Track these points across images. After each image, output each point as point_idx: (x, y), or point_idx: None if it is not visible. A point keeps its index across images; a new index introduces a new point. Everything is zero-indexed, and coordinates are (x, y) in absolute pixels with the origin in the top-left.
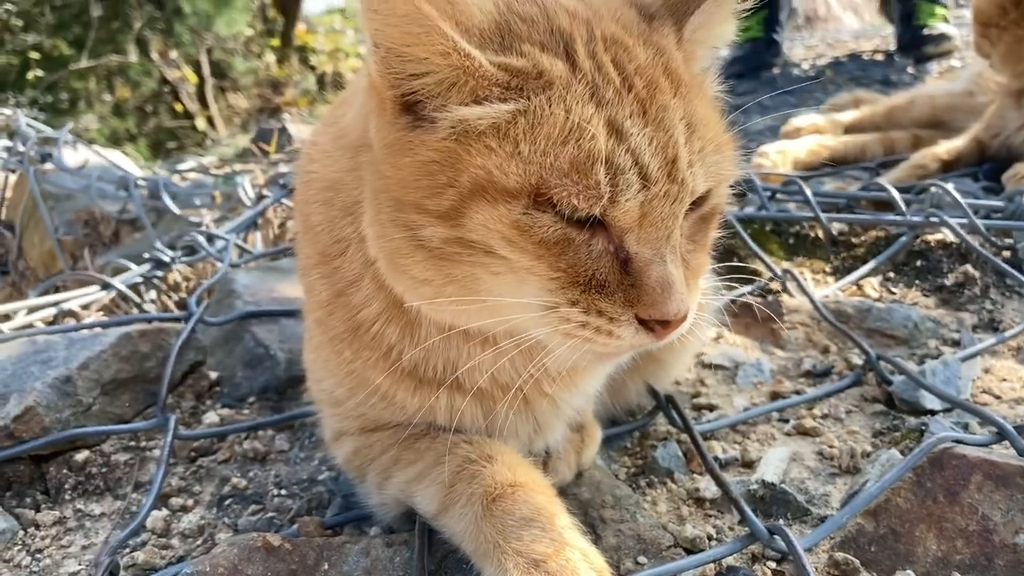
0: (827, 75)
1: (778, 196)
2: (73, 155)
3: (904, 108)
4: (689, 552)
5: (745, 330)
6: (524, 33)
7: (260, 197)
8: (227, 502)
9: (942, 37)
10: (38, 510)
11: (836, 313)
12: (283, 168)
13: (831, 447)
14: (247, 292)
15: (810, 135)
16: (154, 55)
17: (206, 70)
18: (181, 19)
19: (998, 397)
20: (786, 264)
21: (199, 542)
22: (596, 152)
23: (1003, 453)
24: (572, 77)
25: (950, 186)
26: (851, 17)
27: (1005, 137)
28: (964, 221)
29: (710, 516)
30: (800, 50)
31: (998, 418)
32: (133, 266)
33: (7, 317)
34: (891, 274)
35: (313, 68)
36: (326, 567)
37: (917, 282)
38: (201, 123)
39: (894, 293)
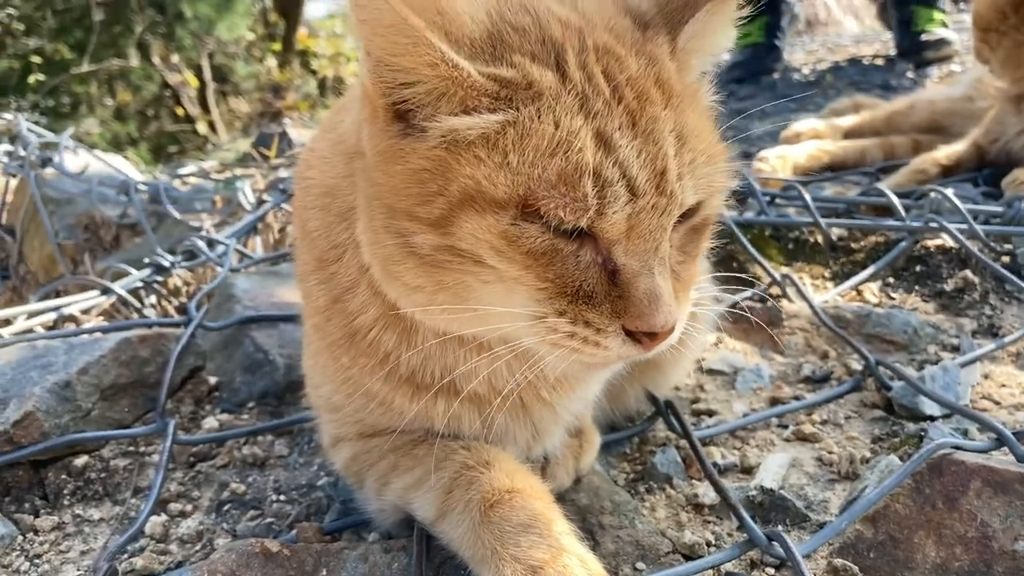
0: (827, 80)
1: (777, 201)
2: (74, 159)
3: (904, 113)
4: (688, 558)
5: (744, 336)
6: (516, 43)
7: (260, 202)
8: (226, 507)
9: (942, 42)
10: (37, 515)
11: (835, 318)
12: (283, 173)
13: (830, 453)
14: (247, 297)
15: (810, 140)
16: (156, 59)
17: (207, 74)
18: (183, 23)
19: (997, 403)
20: (785, 269)
21: (198, 547)
22: (583, 164)
23: (1002, 459)
24: (562, 88)
25: (950, 191)
26: (852, 21)
27: (1004, 142)
28: (964, 226)
29: (709, 522)
30: (800, 55)
31: (997, 424)
32: (133, 271)
33: (7, 322)
34: (890, 279)
35: (314, 72)
36: (324, 573)
37: (916, 287)
38: (202, 127)
39: (893, 298)
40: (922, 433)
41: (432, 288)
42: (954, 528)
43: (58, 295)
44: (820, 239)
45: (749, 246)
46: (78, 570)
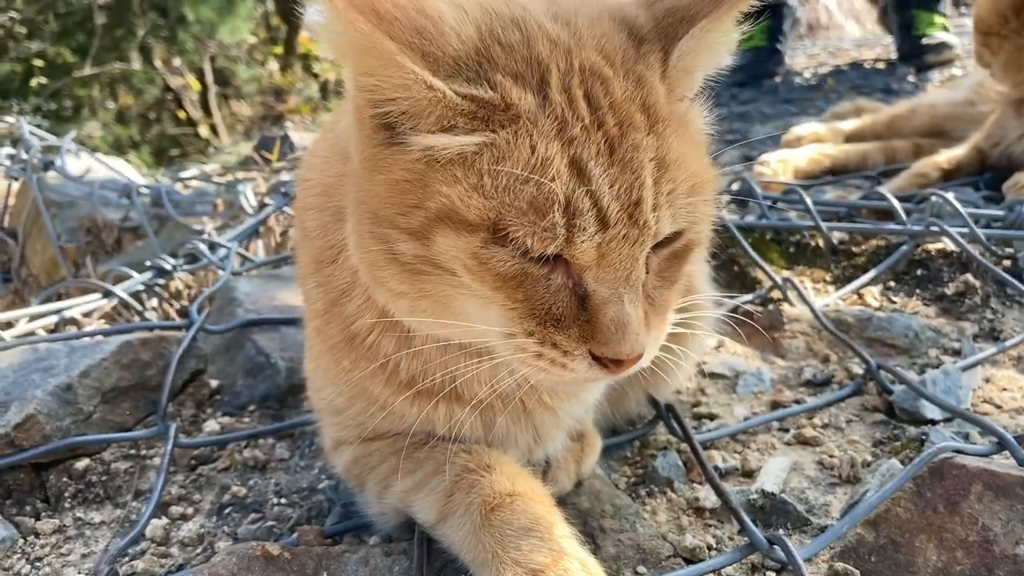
0: (828, 84)
1: (779, 205)
2: (76, 163)
3: (905, 117)
4: (689, 562)
5: (745, 339)
6: (501, 61)
7: (262, 205)
8: (227, 510)
9: (943, 46)
10: (38, 518)
11: (836, 322)
12: (285, 176)
13: (831, 457)
14: (248, 300)
15: (811, 144)
16: (158, 63)
17: (209, 78)
18: (185, 27)
19: (999, 407)
20: (786, 273)
21: (198, 551)
22: (554, 194)
23: (1003, 463)
24: (540, 112)
25: (950, 195)
26: (853, 25)
27: (1006, 146)
28: (965, 230)
29: (710, 526)
30: (802, 59)
31: (999, 428)
32: (135, 274)
33: (9, 324)
34: (892, 283)
35: (316, 76)
36: None
37: (918, 291)
38: (204, 131)
39: (895, 302)
40: (923, 437)
41: (415, 295)
42: (955, 532)
43: (60, 298)
44: (821, 243)
45: (750, 250)
46: (79, 573)
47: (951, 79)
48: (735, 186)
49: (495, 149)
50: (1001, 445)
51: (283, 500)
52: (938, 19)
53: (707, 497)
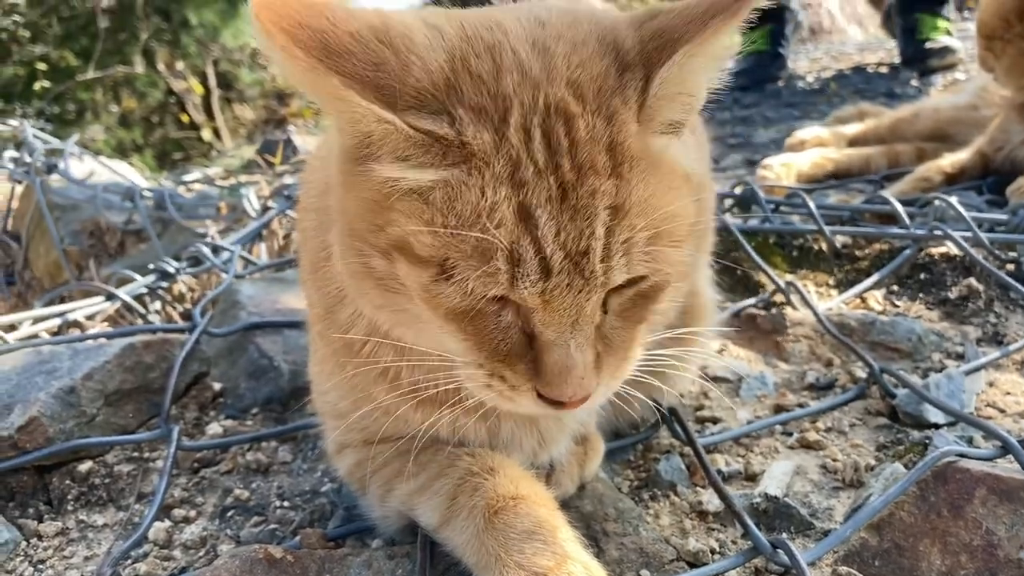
0: (832, 88)
1: (782, 209)
2: (79, 166)
3: (908, 121)
4: (692, 566)
5: (748, 343)
6: (467, 94)
7: (265, 208)
8: (229, 513)
9: (946, 50)
10: (41, 521)
11: (840, 326)
12: (288, 179)
13: (835, 460)
14: (251, 303)
15: (814, 148)
16: (160, 66)
17: (212, 81)
18: (188, 30)
19: (1002, 411)
20: (790, 277)
21: (201, 553)
22: (497, 240)
23: (1007, 467)
24: (495, 152)
25: (954, 199)
26: (856, 29)
27: (1009, 150)
28: (968, 234)
29: (713, 529)
30: (805, 63)
31: (1002, 432)
32: (138, 277)
33: (13, 327)
34: (895, 287)
35: None
36: None
37: (921, 295)
38: (207, 134)
39: (898, 306)
40: (927, 441)
41: (391, 308)
42: (959, 536)
43: (63, 301)
44: (824, 246)
45: (753, 253)
46: None
47: (954, 83)
48: (738, 190)
49: (448, 188)
50: (1005, 449)
51: (286, 503)
52: (941, 23)
53: (710, 501)
